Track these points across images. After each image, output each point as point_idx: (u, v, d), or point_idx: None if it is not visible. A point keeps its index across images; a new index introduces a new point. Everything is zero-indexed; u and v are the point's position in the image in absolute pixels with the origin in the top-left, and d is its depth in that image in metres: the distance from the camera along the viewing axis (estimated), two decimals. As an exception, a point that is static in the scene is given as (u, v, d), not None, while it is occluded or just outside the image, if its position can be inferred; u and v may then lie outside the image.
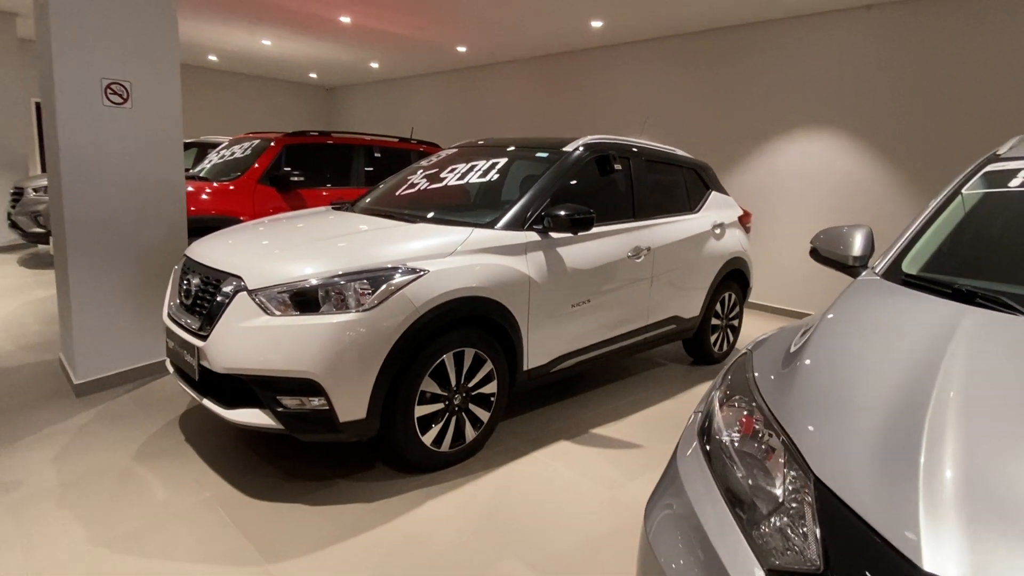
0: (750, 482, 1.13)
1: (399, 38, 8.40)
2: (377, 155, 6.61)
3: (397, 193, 3.67)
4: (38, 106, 10.02)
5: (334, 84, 13.45)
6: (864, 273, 1.81)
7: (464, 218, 3.12)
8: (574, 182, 3.38)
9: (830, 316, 1.42)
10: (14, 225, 7.42)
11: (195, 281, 2.72)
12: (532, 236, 3.04)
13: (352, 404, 2.42)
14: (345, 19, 7.49)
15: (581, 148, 3.51)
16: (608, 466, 2.95)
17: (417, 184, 3.67)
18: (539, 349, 3.11)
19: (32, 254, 8.04)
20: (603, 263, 3.39)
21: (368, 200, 3.74)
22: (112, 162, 3.51)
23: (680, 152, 4.48)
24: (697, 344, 4.53)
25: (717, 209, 4.53)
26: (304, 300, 2.42)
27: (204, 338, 2.50)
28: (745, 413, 1.24)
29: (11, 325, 4.87)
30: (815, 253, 2.19)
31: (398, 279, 2.50)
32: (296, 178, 5.71)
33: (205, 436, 3.08)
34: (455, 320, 2.69)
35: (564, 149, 3.48)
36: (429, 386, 2.64)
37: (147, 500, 2.51)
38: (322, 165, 6.22)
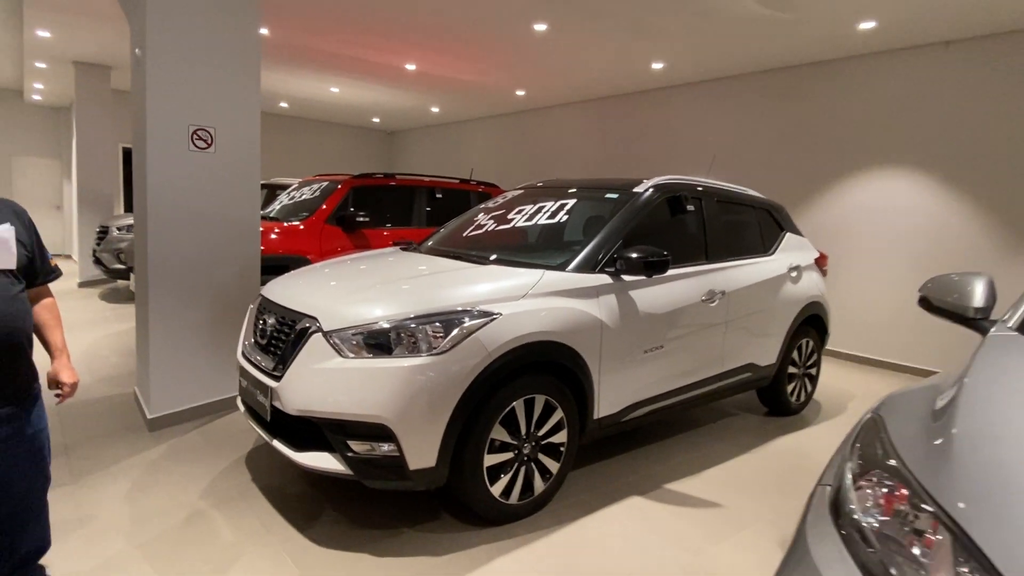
0: (893, 572, 0.98)
1: (460, 83, 8.64)
2: (438, 196, 6.72)
3: (464, 234, 3.66)
4: (125, 151, 10.76)
5: (395, 128, 13.94)
6: (995, 328, 1.62)
7: (533, 260, 3.07)
8: (645, 223, 3.28)
9: (974, 379, 1.26)
10: (98, 261, 7.87)
11: (271, 321, 2.74)
12: (604, 279, 2.95)
13: (422, 451, 2.34)
14: (410, 66, 7.77)
15: (652, 189, 3.42)
16: (687, 527, 2.74)
17: (484, 225, 3.66)
18: (611, 397, 2.97)
19: (112, 289, 8.49)
20: (676, 307, 3.25)
21: (435, 241, 3.74)
22: (194, 203, 3.66)
23: (752, 192, 4.33)
24: (773, 394, 4.27)
25: (792, 251, 4.32)
26: (377, 343, 2.39)
27: (278, 378, 2.50)
28: (885, 491, 1.09)
29: (91, 357, 5.08)
30: (925, 302, 2.01)
31: (470, 322, 2.44)
32: (361, 219, 5.84)
33: (271, 476, 3.06)
34: (526, 365, 2.60)
35: (635, 190, 3.40)
36: (499, 434, 2.54)
37: (214, 542, 2.48)
38: (385, 206, 6.36)
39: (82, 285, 8.67)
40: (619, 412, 3.05)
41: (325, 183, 6.24)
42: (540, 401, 2.66)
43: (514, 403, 2.56)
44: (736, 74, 7.38)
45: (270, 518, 2.67)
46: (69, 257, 11.14)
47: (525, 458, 2.66)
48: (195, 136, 3.63)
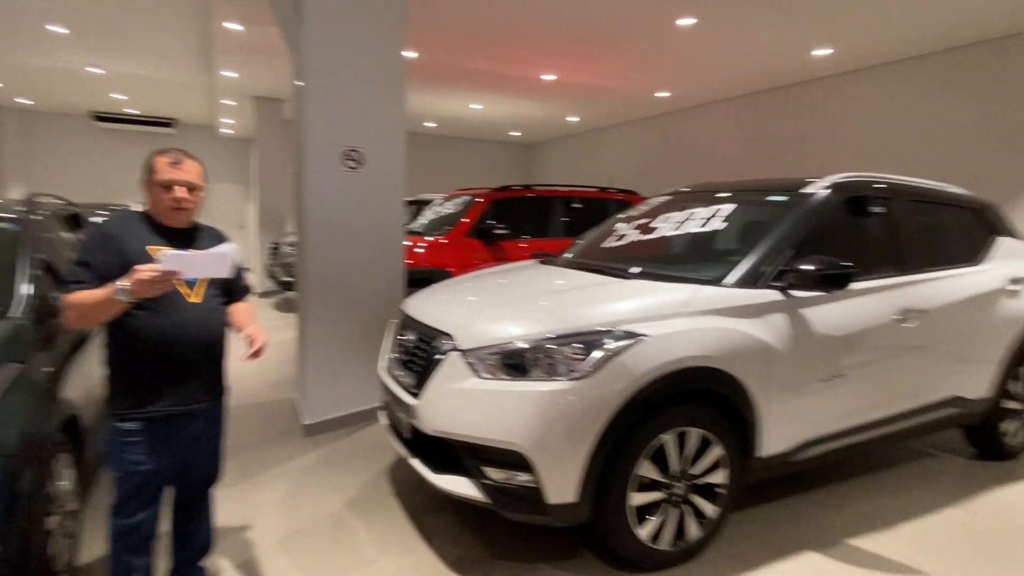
0: None
1: (599, 89, 8.43)
2: (576, 205, 6.55)
3: (605, 245, 3.43)
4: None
5: (533, 140, 14.07)
6: None
7: (684, 273, 2.75)
8: (820, 229, 2.81)
9: None
10: (271, 275, 8.78)
11: (410, 337, 2.72)
12: (771, 295, 2.55)
13: (562, 484, 2.15)
14: (549, 77, 7.71)
15: (828, 188, 2.94)
16: (881, 598, 2.26)
17: (627, 235, 3.40)
18: (779, 432, 2.56)
19: (284, 300, 9.40)
20: (862, 328, 2.74)
21: (574, 252, 3.56)
22: (345, 219, 3.83)
23: (954, 189, 3.61)
24: (985, 433, 3.48)
25: (1011, 259, 3.52)
26: (514, 363, 2.24)
27: (417, 396, 2.45)
28: None
29: (261, 364, 5.54)
30: None
31: (614, 344, 2.20)
32: (500, 231, 5.84)
33: (413, 492, 3.05)
34: (679, 394, 2.30)
35: (806, 191, 2.95)
36: (647, 470, 2.27)
37: (356, 557, 2.49)
38: (524, 217, 6.32)
39: (260, 296, 9.73)
40: (789, 451, 2.62)
41: (467, 197, 6.35)
42: (695, 435, 2.35)
43: (664, 436, 2.28)
44: (921, 54, 6.36)
45: (409, 537, 2.63)
46: (249, 271, 12.64)
47: (677, 499, 2.36)
48: (347, 156, 3.80)
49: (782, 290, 2.58)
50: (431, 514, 2.83)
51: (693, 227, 3.13)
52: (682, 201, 3.46)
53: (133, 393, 1.89)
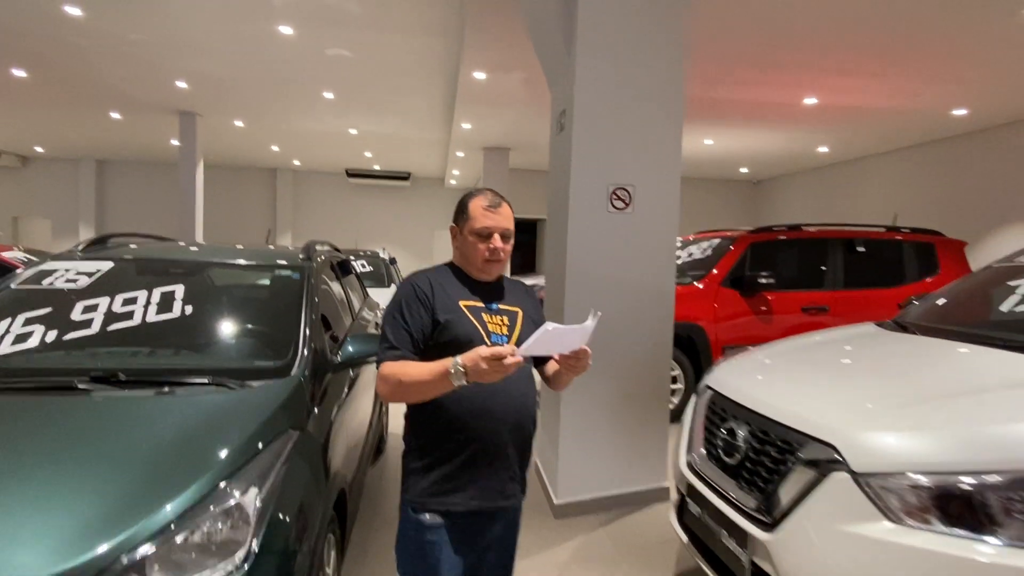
0: None
1: (872, 112, 7.05)
2: (860, 249, 5.33)
3: (1006, 308, 2.36)
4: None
5: (763, 176, 12.67)
6: None
7: None
8: None
9: None
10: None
11: (740, 432, 1.99)
12: None
13: None
14: (810, 100, 6.62)
15: None
16: None
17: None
18: None
19: (501, 344, 9.36)
20: None
21: (940, 317, 2.54)
22: (609, 267, 3.30)
23: None
24: None
25: None
26: (962, 508, 1.39)
27: (767, 527, 1.70)
28: None
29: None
30: None
31: None
32: (765, 280, 4.90)
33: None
34: None
35: None
36: None
37: None
38: (790, 264, 5.34)
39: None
40: None
41: (716, 241, 5.53)
42: None
43: None
44: None
45: None
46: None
47: None
48: (614, 196, 3.29)
49: None
50: None
51: None
52: None
53: (432, 478, 1.52)
